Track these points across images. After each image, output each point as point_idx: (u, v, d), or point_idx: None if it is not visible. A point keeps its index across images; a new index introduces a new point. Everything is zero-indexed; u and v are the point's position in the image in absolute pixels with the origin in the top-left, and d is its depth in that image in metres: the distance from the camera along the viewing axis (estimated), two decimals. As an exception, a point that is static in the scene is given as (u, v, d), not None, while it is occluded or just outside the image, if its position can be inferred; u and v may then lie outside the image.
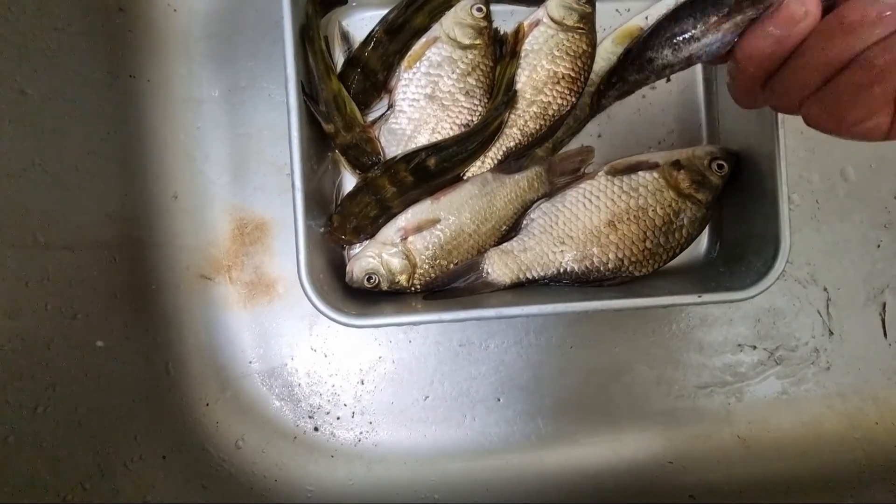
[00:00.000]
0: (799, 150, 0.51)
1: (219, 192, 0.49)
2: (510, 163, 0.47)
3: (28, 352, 0.34)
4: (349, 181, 0.48)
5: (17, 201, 0.34)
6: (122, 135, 0.44)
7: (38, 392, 0.34)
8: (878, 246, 0.52)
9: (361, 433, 0.49)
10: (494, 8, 0.48)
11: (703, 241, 0.50)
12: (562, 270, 0.46)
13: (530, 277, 0.46)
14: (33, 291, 0.34)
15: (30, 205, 0.35)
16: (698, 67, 0.50)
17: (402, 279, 0.45)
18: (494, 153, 0.47)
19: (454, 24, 0.46)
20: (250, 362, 0.49)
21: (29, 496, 0.32)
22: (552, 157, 0.48)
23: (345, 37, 0.48)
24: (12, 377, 0.32)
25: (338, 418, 0.49)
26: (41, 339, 0.35)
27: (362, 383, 0.50)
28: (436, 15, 0.46)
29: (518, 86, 0.46)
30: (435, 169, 0.44)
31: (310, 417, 0.49)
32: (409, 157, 0.44)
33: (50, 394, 0.34)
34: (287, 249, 0.48)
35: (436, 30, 0.46)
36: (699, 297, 0.42)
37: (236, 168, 0.49)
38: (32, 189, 0.35)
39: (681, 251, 0.47)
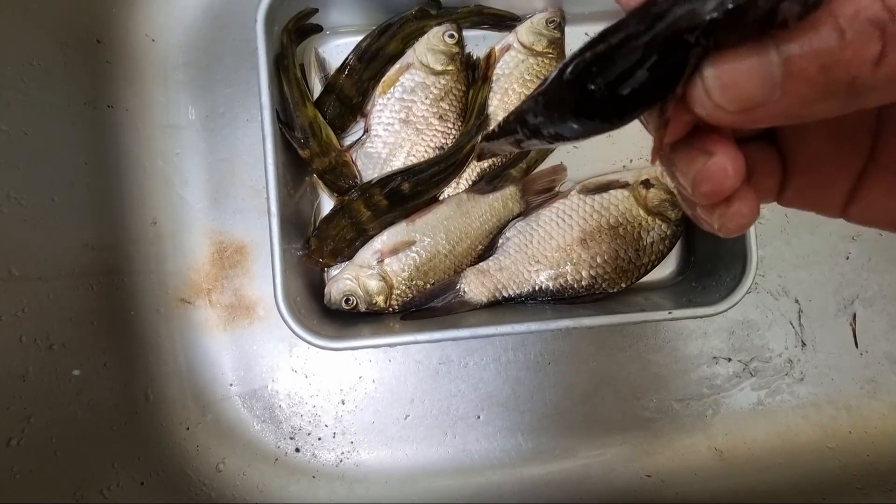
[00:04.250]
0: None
1: (198, 216, 0.49)
2: (484, 183, 0.48)
3: (1, 384, 0.34)
4: (328, 203, 0.49)
5: (-8, 235, 0.35)
6: (101, 164, 0.45)
7: (13, 424, 0.34)
8: (847, 258, 0.53)
9: (343, 453, 0.49)
10: (466, 33, 0.49)
11: (675, 256, 0.51)
12: (537, 288, 0.47)
13: (506, 296, 0.47)
14: (7, 324, 0.35)
15: (3, 238, 0.36)
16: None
17: (380, 300, 0.46)
18: (468, 175, 0.48)
19: (427, 51, 0.47)
20: (231, 385, 0.49)
21: (2, 529, 0.32)
22: (526, 177, 0.49)
23: (321, 64, 0.49)
24: (-14, 410, 0.33)
25: (319, 439, 0.49)
26: (15, 370, 0.35)
27: (343, 403, 0.50)
28: (409, 41, 0.47)
29: (490, 109, 0.48)
30: (409, 192, 0.45)
31: (291, 439, 0.49)
32: (383, 182, 0.45)
33: (24, 425, 0.35)
34: (267, 272, 0.49)
35: (409, 56, 0.47)
36: (669, 313, 0.43)
37: (215, 192, 0.50)
38: (7, 222, 0.36)
39: (652, 267, 0.48)
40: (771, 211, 0.53)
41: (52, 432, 0.37)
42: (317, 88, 0.48)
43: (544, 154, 0.50)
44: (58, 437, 0.37)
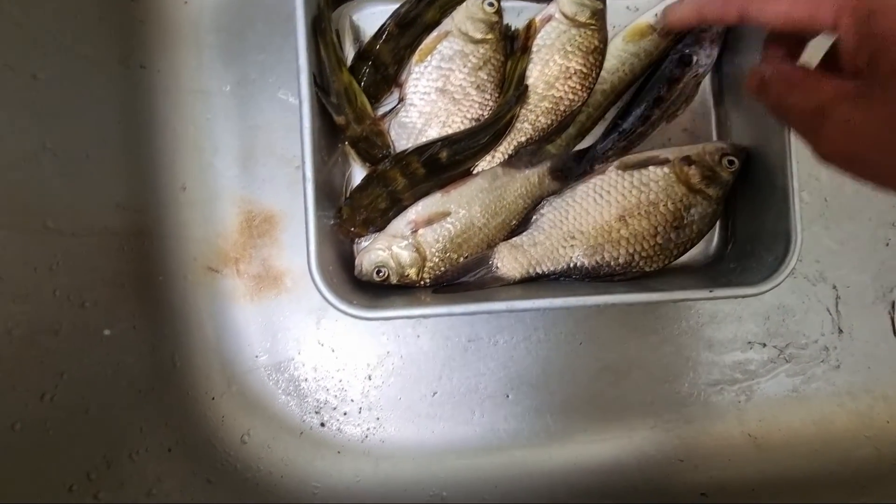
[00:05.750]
0: (806, 148, 0.51)
1: (227, 184, 0.49)
2: (522, 159, 0.47)
3: (35, 338, 0.33)
4: (359, 174, 0.48)
5: (27, 185, 0.34)
6: (132, 124, 0.44)
7: (45, 379, 0.33)
8: (887, 244, 0.52)
9: (368, 429, 0.49)
10: (505, 4, 0.48)
11: (714, 236, 0.50)
12: (572, 265, 0.46)
13: (540, 272, 0.46)
14: (42, 277, 0.34)
15: (39, 189, 0.35)
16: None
17: (412, 272, 0.45)
18: (505, 148, 0.47)
19: (466, 19, 0.46)
20: (257, 356, 0.48)
21: (34, 485, 0.31)
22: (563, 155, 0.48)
23: (355, 31, 0.48)
24: (20, 363, 0.32)
25: (345, 414, 0.49)
26: (49, 325, 0.34)
27: (370, 378, 0.49)
28: (447, 9, 0.46)
29: (530, 81, 0.46)
30: (446, 161, 0.44)
31: (316, 413, 0.49)
32: (421, 149, 0.44)
33: (57, 381, 0.34)
34: (295, 242, 0.48)
35: (447, 24, 0.46)
36: (710, 291, 0.42)
37: (245, 160, 0.49)
38: (42, 173, 0.35)
39: (692, 246, 0.47)
40: (810, 195, 0.52)
41: (82, 391, 0.36)
42: (349, 56, 0.47)
43: (582, 133, 0.49)
44: (88, 397, 0.36)
